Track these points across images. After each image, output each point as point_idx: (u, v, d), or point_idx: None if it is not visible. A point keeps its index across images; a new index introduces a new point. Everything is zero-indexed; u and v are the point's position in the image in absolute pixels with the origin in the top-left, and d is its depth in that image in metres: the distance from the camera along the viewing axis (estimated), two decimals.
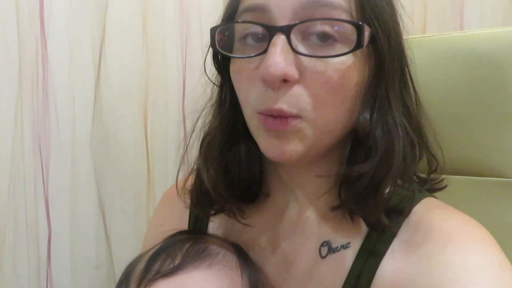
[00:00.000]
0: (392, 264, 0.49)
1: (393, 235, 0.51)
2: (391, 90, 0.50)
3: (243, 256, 0.56)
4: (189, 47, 0.90)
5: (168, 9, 0.89)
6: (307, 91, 0.47)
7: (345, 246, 0.53)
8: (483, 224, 0.50)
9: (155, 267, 0.52)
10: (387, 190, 0.50)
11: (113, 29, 0.86)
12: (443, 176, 0.56)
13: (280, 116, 0.47)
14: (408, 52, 0.54)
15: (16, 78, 0.80)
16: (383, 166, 0.49)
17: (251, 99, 0.50)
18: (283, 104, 0.47)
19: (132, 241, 0.89)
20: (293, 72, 0.45)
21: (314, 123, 0.48)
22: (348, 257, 0.52)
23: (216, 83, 0.59)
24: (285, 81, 0.46)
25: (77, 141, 0.85)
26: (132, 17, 0.87)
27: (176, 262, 0.52)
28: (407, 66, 0.53)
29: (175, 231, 0.60)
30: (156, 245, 0.56)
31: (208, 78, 0.59)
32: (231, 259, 0.54)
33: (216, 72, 0.58)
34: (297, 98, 0.47)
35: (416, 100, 0.54)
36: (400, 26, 0.52)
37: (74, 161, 0.85)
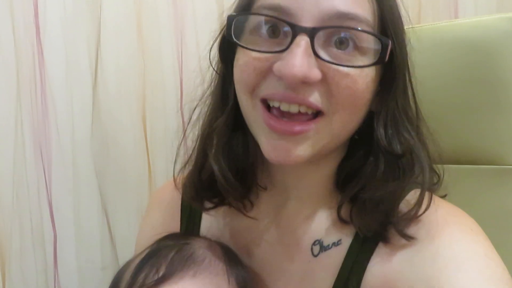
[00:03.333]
0: (382, 259, 0.50)
1: (383, 231, 0.51)
2: (400, 103, 0.51)
3: (231, 258, 0.55)
4: (184, 47, 0.90)
5: (162, 10, 0.89)
6: (329, 92, 0.47)
7: (336, 244, 0.54)
8: (478, 212, 0.51)
9: (140, 278, 0.51)
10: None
11: (108, 32, 0.86)
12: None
13: (292, 120, 0.47)
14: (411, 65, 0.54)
15: (14, 84, 0.81)
16: (403, 184, 0.50)
17: (257, 89, 0.49)
18: (307, 98, 0.46)
19: None
20: (315, 74, 0.45)
21: (331, 125, 0.48)
22: (339, 254, 0.53)
23: (218, 73, 0.57)
24: (305, 83, 0.45)
25: (77, 145, 0.86)
26: (127, 20, 0.87)
27: (161, 273, 0.51)
28: (410, 80, 0.54)
29: (163, 234, 0.59)
30: (144, 250, 0.56)
31: (212, 66, 0.58)
32: (217, 264, 0.54)
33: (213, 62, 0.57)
34: (319, 97, 0.47)
35: (417, 113, 0.54)
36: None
37: (76, 165, 0.86)
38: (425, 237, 0.48)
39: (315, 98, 0.47)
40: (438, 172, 0.55)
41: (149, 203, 0.71)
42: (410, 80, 0.53)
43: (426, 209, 0.50)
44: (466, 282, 0.43)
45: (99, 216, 0.88)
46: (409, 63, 0.53)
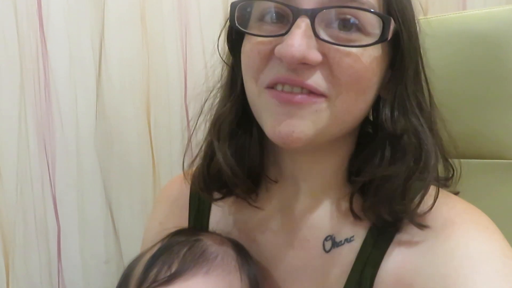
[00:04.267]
0: (396, 256, 0.49)
1: (397, 227, 0.51)
2: (409, 87, 0.50)
3: (242, 255, 0.55)
4: (189, 39, 0.90)
5: (167, 3, 0.88)
6: (331, 74, 0.46)
7: (349, 240, 0.53)
8: (486, 207, 0.50)
9: (152, 274, 0.51)
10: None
11: (112, 25, 0.85)
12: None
13: (294, 91, 0.46)
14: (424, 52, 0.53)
15: (18, 78, 0.81)
16: (417, 167, 0.49)
17: (262, 75, 0.48)
18: (307, 80, 0.46)
19: (140, 235, 0.89)
20: (314, 56, 0.45)
21: (335, 107, 0.47)
22: (352, 251, 0.52)
23: (228, 64, 0.57)
24: (305, 64, 0.45)
25: (81, 138, 0.86)
26: (131, 12, 0.86)
27: (173, 270, 0.50)
28: (423, 66, 0.53)
29: (173, 229, 0.58)
30: (154, 245, 0.55)
31: (221, 57, 0.58)
32: (230, 262, 0.53)
33: (223, 55, 0.57)
34: (320, 79, 0.46)
35: (430, 102, 0.53)
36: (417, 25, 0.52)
37: (80, 158, 0.86)
38: (441, 234, 0.47)
39: (316, 82, 0.46)
40: (453, 165, 0.54)
41: (156, 200, 0.71)
42: (423, 66, 0.52)
43: (435, 199, 0.49)
44: (482, 282, 0.42)
45: (102, 210, 0.88)
46: (421, 50, 0.52)
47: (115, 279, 0.89)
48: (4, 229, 0.81)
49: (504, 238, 0.47)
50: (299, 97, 0.46)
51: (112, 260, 0.90)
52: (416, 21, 0.51)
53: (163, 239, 0.56)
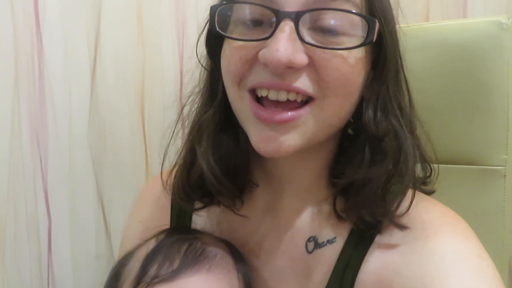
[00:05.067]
0: (376, 257, 0.51)
1: (377, 229, 0.52)
2: (391, 88, 0.51)
3: (237, 256, 0.56)
4: (186, 37, 0.90)
5: (163, 0, 0.88)
6: (318, 77, 0.46)
7: (331, 241, 0.54)
8: (458, 211, 0.52)
9: (152, 270, 0.51)
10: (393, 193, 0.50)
11: (108, 22, 0.85)
12: None
13: (281, 109, 0.46)
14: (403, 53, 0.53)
15: (12, 73, 0.81)
16: (396, 169, 0.50)
17: (244, 79, 0.48)
18: (294, 84, 0.45)
19: None
20: (301, 59, 0.45)
21: (322, 111, 0.47)
22: (334, 252, 0.54)
23: (206, 68, 0.57)
24: (291, 68, 0.45)
25: (74, 134, 0.86)
26: (127, 10, 0.86)
27: (175, 266, 0.50)
28: (402, 67, 0.53)
29: (160, 228, 0.58)
30: (146, 241, 0.55)
31: (200, 62, 0.57)
32: (228, 261, 0.54)
33: (200, 58, 0.57)
34: (307, 82, 0.46)
35: (410, 102, 0.54)
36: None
37: (72, 154, 0.86)
38: (419, 236, 0.49)
39: (303, 83, 0.46)
40: (430, 165, 0.55)
41: (137, 198, 0.70)
42: (402, 67, 0.53)
43: (411, 201, 0.50)
44: (459, 282, 0.44)
45: (94, 206, 0.89)
46: (400, 50, 0.52)
47: (106, 275, 0.89)
48: None
49: (478, 239, 0.49)
50: (287, 116, 0.46)
51: (103, 255, 0.90)
52: (395, 20, 0.52)
53: (157, 236, 0.56)
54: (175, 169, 0.59)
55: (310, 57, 0.45)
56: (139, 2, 0.87)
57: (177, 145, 0.60)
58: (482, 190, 0.66)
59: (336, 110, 0.48)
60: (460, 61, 0.65)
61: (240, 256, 0.56)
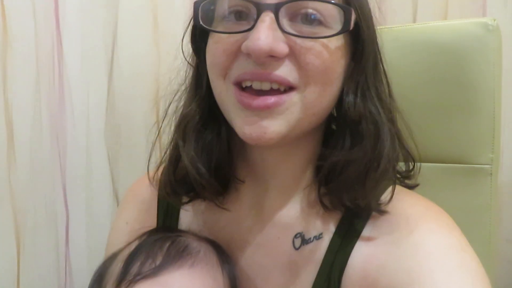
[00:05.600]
0: (362, 252, 0.52)
1: (363, 224, 0.53)
2: (369, 78, 0.52)
3: (221, 253, 0.56)
4: None
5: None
6: (298, 65, 0.48)
7: (317, 237, 0.55)
8: (445, 208, 0.53)
9: (135, 268, 0.50)
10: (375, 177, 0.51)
11: (125, 23, 0.89)
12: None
13: (264, 94, 0.47)
14: (380, 44, 0.55)
15: (34, 73, 0.85)
16: (374, 152, 0.51)
17: (229, 71, 0.49)
18: (275, 71, 0.47)
19: None
20: (281, 47, 0.46)
21: (305, 99, 0.48)
22: (321, 248, 0.54)
23: (191, 65, 0.58)
24: (273, 57, 0.46)
25: (91, 132, 0.90)
26: (143, 9, 0.90)
27: (158, 262, 0.50)
28: (381, 59, 0.55)
29: (145, 229, 0.58)
30: (129, 244, 0.55)
31: (186, 59, 0.58)
32: (212, 257, 0.54)
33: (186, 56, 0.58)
34: (288, 70, 0.47)
35: (389, 92, 0.55)
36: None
37: (89, 151, 0.90)
38: (404, 230, 0.50)
39: (284, 72, 0.47)
40: (412, 156, 0.56)
41: (123, 199, 0.69)
42: (381, 60, 0.54)
43: (393, 191, 0.52)
44: (444, 275, 0.45)
45: (110, 200, 0.93)
46: (378, 41, 0.54)
47: None
48: (17, 214, 0.86)
49: (461, 233, 0.50)
50: (271, 101, 0.47)
51: None
52: (372, 15, 0.53)
53: (140, 237, 0.56)
54: (162, 166, 0.60)
55: (290, 47, 0.47)
56: (154, 4, 0.90)
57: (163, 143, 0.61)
58: (469, 188, 0.67)
59: (318, 98, 0.49)
60: (447, 62, 0.66)
61: (224, 253, 0.56)
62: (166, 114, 0.59)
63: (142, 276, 0.49)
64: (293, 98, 0.48)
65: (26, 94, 0.85)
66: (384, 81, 0.55)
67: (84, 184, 0.91)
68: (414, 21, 0.98)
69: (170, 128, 0.59)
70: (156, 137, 0.63)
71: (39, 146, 0.87)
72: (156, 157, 0.62)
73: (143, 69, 0.91)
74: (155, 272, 0.50)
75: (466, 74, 0.65)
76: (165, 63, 0.91)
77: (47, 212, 0.89)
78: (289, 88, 0.48)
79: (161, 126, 0.60)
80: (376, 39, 0.53)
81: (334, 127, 0.56)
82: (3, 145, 0.85)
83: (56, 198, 0.89)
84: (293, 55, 0.47)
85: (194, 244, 0.55)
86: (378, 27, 0.54)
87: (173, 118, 0.58)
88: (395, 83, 0.56)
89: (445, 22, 0.68)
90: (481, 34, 0.64)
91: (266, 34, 0.45)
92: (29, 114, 0.86)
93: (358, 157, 0.51)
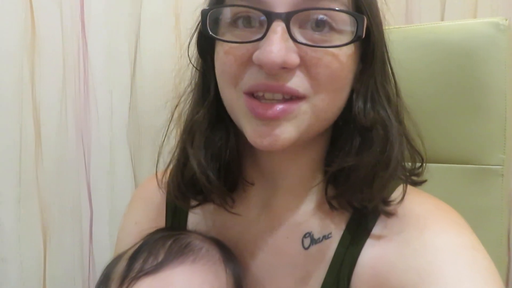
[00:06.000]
0: (372, 251, 0.51)
1: (372, 223, 0.52)
2: (378, 79, 0.52)
3: (226, 251, 0.56)
4: None
5: (201, 5, 0.92)
6: (309, 75, 0.47)
7: (326, 237, 0.55)
8: (457, 210, 0.52)
9: (137, 265, 0.51)
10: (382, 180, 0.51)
11: (147, 24, 0.91)
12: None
13: (275, 103, 0.47)
14: (388, 45, 0.54)
15: (61, 73, 0.89)
16: (383, 155, 0.50)
17: (239, 81, 0.49)
18: (287, 83, 0.46)
19: None
20: (293, 59, 0.46)
21: (315, 106, 0.48)
22: (330, 247, 0.54)
23: (197, 69, 0.58)
24: (284, 68, 0.46)
25: (115, 131, 0.92)
26: (165, 12, 0.91)
27: (160, 259, 0.51)
28: (388, 58, 0.54)
29: (153, 229, 0.58)
30: (136, 243, 0.56)
31: (192, 63, 0.58)
32: (214, 254, 0.54)
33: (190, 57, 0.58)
34: (300, 81, 0.47)
35: (396, 92, 0.55)
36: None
37: (113, 150, 0.93)
38: (414, 229, 0.49)
39: (296, 84, 0.47)
40: (420, 153, 0.55)
41: (132, 199, 0.70)
42: (388, 57, 0.54)
43: (404, 191, 0.51)
44: (455, 274, 0.44)
45: None
46: (386, 41, 0.53)
47: None
48: (44, 210, 0.90)
49: (472, 231, 0.49)
50: (277, 110, 0.47)
51: None
52: (378, 10, 0.52)
53: (145, 237, 0.57)
54: (170, 168, 0.60)
55: (301, 57, 0.46)
56: (176, 7, 0.91)
57: (171, 144, 0.61)
58: (480, 189, 0.66)
59: (328, 104, 0.49)
60: (458, 62, 0.65)
61: (228, 251, 0.56)
62: (172, 116, 0.60)
63: (144, 272, 0.50)
64: (302, 106, 0.48)
65: (53, 94, 0.89)
66: (392, 81, 0.54)
67: (108, 182, 0.93)
68: (442, 20, 0.96)
69: (177, 130, 0.59)
70: (164, 138, 0.62)
71: (64, 145, 0.90)
72: (164, 158, 0.61)
73: (165, 69, 0.92)
74: (157, 268, 0.50)
75: (476, 74, 0.64)
76: (186, 64, 0.92)
77: (72, 208, 0.92)
78: (299, 97, 0.48)
79: (168, 128, 0.61)
80: (384, 39, 0.53)
81: (340, 123, 0.55)
82: (31, 144, 0.88)
83: (80, 195, 0.92)
84: (304, 64, 0.47)
85: (197, 241, 0.55)
86: (386, 27, 0.53)
87: (181, 121, 0.59)
88: (405, 83, 0.55)
89: (456, 22, 0.67)
90: (492, 34, 0.64)
91: (278, 47, 0.44)
92: (56, 113, 0.89)
93: (366, 161, 0.50)
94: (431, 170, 0.57)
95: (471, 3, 0.95)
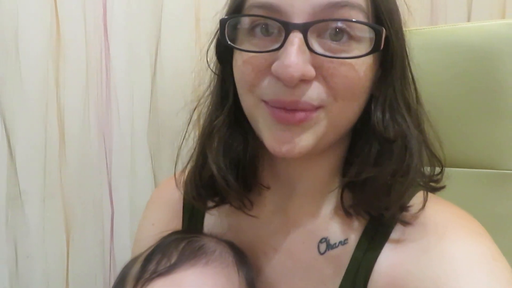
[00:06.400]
0: (389, 258, 0.50)
1: (390, 230, 0.51)
2: (398, 88, 0.51)
3: (239, 255, 0.56)
4: None
5: (221, 2, 0.92)
6: (326, 84, 0.47)
7: (343, 242, 0.54)
8: (474, 214, 0.51)
9: (151, 266, 0.52)
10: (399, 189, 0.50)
11: (168, 28, 0.93)
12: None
13: (295, 110, 0.47)
14: (409, 50, 0.53)
15: (84, 76, 0.91)
16: (402, 165, 0.49)
17: (258, 89, 0.49)
18: (303, 98, 0.46)
19: None
20: (311, 71, 0.46)
21: (332, 114, 0.48)
22: (346, 253, 0.53)
23: (216, 73, 0.58)
24: (302, 80, 0.46)
25: (135, 132, 0.94)
26: (186, 17, 0.93)
27: (172, 261, 0.51)
28: (409, 64, 0.53)
29: (169, 231, 0.59)
30: (151, 246, 0.56)
31: (211, 69, 0.59)
32: (227, 257, 0.54)
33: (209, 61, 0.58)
34: (317, 93, 0.47)
35: (417, 98, 0.53)
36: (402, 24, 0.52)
37: (134, 150, 0.95)
38: (432, 237, 0.48)
39: (313, 96, 0.46)
40: (440, 159, 0.54)
41: (149, 201, 0.70)
42: (408, 62, 0.52)
43: (425, 200, 0.50)
44: (473, 283, 0.43)
45: None
46: (406, 46, 0.52)
47: None
48: (67, 209, 0.93)
49: (493, 241, 0.48)
50: (297, 116, 0.47)
51: None
52: (400, 18, 0.51)
53: (159, 239, 0.57)
54: (187, 169, 0.61)
55: (319, 66, 0.46)
56: (197, 8, 0.93)
57: (189, 145, 0.62)
58: (497, 194, 0.65)
59: (345, 113, 0.49)
60: (474, 64, 0.64)
61: (242, 255, 0.56)
62: (191, 118, 0.61)
63: (158, 274, 0.51)
64: (320, 114, 0.48)
65: (76, 96, 0.91)
66: (412, 86, 0.53)
67: (129, 182, 0.95)
68: (469, 20, 0.94)
69: (195, 133, 0.60)
70: (183, 140, 0.63)
71: (87, 146, 0.92)
72: (183, 159, 0.62)
73: (185, 71, 0.94)
74: (170, 270, 0.51)
75: (494, 76, 0.63)
76: (206, 66, 0.93)
77: (94, 208, 0.94)
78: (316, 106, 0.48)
79: (186, 130, 0.62)
80: (404, 45, 0.51)
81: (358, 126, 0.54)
82: (56, 145, 0.91)
83: (102, 195, 0.94)
84: (321, 74, 0.46)
85: (210, 244, 0.55)
86: (407, 29, 0.52)
87: (199, 124, 0.60)
88: (424, 85, 0.54)
89: (472, 24, 0.66)
90: (509, 35, 0.62)
91: (296, 60, 0.44)
92: (79, 115, 0.92)
93: (386, 172, 0.49)
94: (449, 174, 0.55)
95: (499, 2, 0.93)
